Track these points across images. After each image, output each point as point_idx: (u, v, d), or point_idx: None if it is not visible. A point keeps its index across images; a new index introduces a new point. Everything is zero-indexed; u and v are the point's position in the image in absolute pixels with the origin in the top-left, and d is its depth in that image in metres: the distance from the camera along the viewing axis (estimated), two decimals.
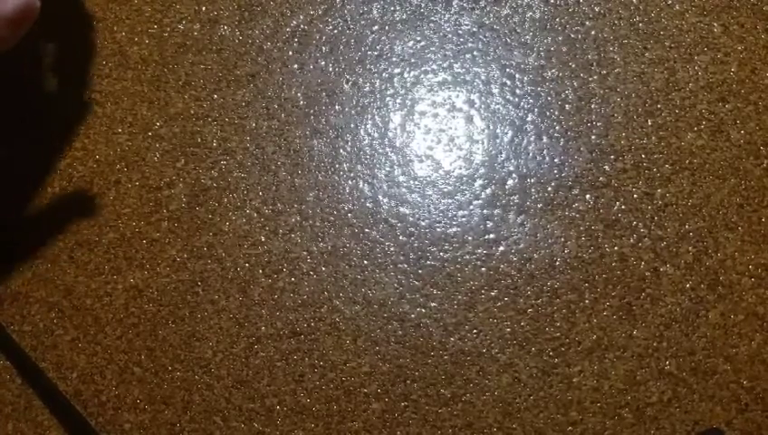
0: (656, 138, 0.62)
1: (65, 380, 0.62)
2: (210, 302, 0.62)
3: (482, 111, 0.63)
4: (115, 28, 0.66)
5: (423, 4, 0.65)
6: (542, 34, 0.63)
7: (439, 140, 0.63)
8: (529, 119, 0.63)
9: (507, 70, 0.63)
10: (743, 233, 0.60)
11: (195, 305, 0.62)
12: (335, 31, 0.65)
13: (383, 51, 0.64)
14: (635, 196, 0.61)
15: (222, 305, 0.62)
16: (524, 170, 0.62)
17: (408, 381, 0.60)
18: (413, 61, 0.64)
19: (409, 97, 0.64)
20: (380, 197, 0.62)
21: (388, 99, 0.64)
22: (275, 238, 0.62)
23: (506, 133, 0.62)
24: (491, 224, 0.61)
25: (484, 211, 0.61)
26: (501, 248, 0.61)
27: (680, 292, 0.60)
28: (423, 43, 0.64)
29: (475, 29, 0.64)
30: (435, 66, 0.64)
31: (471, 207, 0.62)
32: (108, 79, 0.65)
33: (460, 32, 0.64)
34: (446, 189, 0.62)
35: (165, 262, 0.63)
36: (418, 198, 0.62)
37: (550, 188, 0.61)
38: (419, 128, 0.63)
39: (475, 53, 0.64)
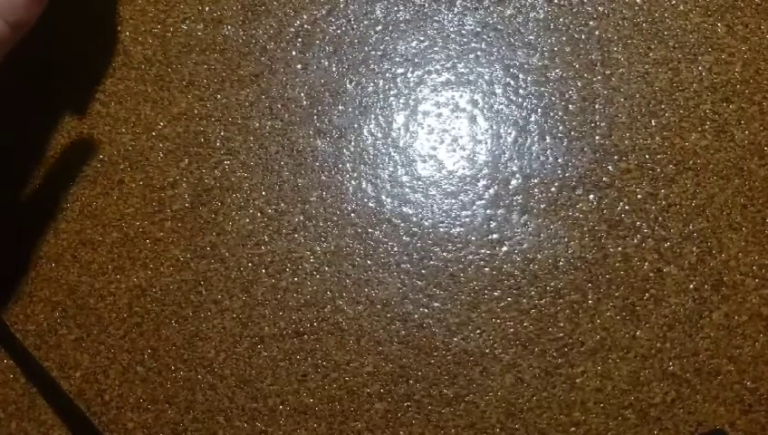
0: (659, 138, 0.61)
1: (69, 379, 0.62)
2: (213, 301, 0.62)
3: (485, 112, 0.63)
4: (119, 28, 0.66)
5: (426, 5, 0.65)
6: (546, 35, 0.63)
7: (442, 140, 0.63)
8: (532, 119, 0.62)
9: (511, 70, 0.63)
10: (747, 233, 0.60)
11: (198, 305, 0.62)
12: (338, 31, 0.65)
13: (386, 51, 0.64)
14: (638, 196, 0.61)
15: (225, 305, 0.62)
16: (528, 171, 0.62)
17: (411, 382, 0.60)
18: (416, 61, 0.64)
19: (413, 97, 0.64)
20: (384, 197, 0.62)
21: (391, 99, 0.64)
22: (279, 238, 0.62)
23: (510, 133, 0.62)
24: (494, 224, 0.61)
25: (488, 211, 0.61)
26: (504, 249, 0.61)
27: (684, 292, 0.59)
28: (426, 44, 0.64)
29: (478, 29, 0.64)
30: (438, 66, 0.64)
31: (474, 207, 0.62)
32: (111, 79, 0.65)
33: (464, 32, 0.64)
34: (449, 189, 0.62)
35: (168, 262, 0.63)
36: (422, 199, 0.62)
37: (553, 189, 0.61)
38: (423, 128, 0.63)
39: (478, 53, 0.64)
